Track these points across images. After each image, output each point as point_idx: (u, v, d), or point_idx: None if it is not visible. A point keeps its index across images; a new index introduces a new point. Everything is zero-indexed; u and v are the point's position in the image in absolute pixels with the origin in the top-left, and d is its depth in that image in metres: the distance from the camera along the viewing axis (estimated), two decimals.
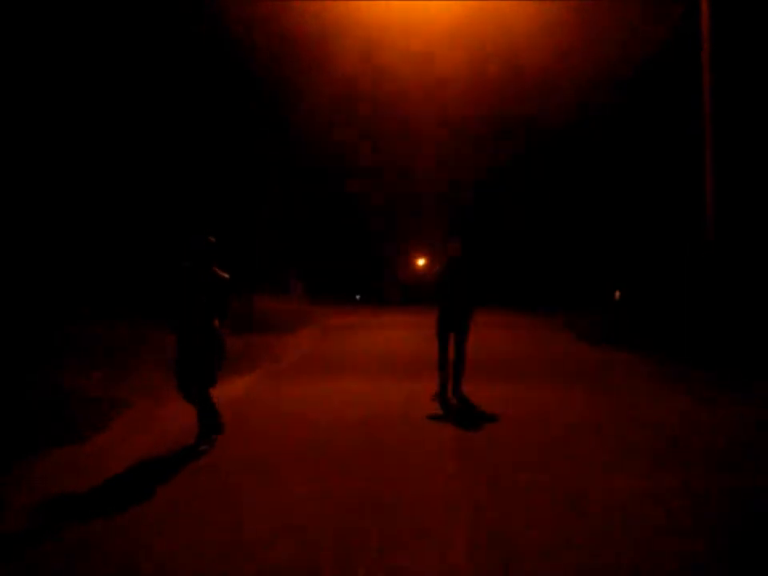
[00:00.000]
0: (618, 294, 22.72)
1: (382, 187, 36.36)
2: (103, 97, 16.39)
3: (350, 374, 9.70)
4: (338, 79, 22.87)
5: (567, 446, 5.78)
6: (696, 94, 11.86)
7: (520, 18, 19.77)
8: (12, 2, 14.05)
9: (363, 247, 42.36)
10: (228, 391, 8.37)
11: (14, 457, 5.21)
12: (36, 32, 14.63)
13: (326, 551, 3.61)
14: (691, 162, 14.62)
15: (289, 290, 31.82)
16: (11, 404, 6.54)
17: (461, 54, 22.22)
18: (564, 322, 19.13)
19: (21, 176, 14.27)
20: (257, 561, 3.49)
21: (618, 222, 25.30)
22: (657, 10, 17.31)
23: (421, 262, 44.28)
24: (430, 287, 8.08)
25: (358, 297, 41.99)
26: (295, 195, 30.62)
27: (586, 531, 3.89)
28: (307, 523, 3.99)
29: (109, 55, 16.17)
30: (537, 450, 5.65)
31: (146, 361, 9.73)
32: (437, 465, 5.22)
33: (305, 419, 6.81)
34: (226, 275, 5.82)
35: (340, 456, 5.42)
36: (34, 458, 5.29)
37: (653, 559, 3.54)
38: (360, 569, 3.41)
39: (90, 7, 15.92)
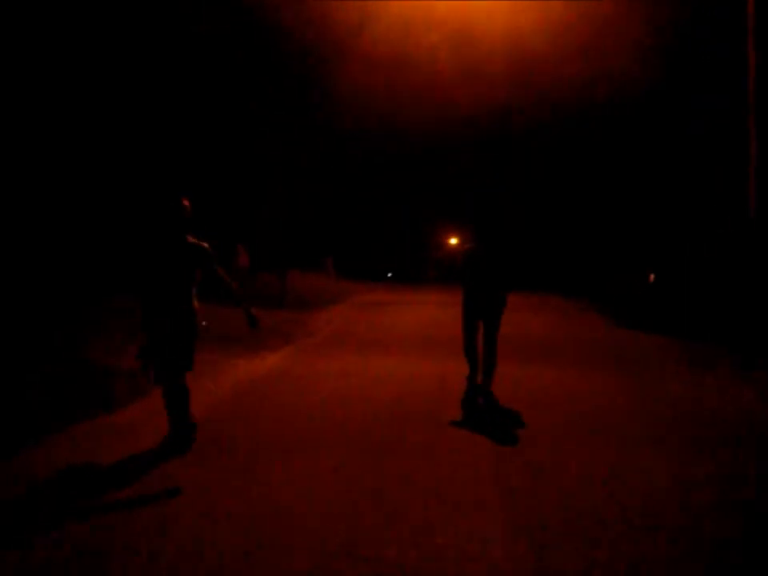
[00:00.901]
0: (652, 276, 22.31)
1: (416, 167, 36.15)
2: (117, 84, 16.40)
3: (382, 351, 9.67)
4: (374, 60, 22.65)
5: (600, 428, 5.67)
6: (739, 71, 11.46)
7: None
8: None
9: (396, 225, 42.23)
10: (260, 366, 8.42)
11: (46, 429, 5.24)
12: (56, 17, 14.66)
13: (360, 531, 3.58)
14: (730, 138, 14.23)
15: (321, 267, 31.94)
16: (44, 379, 6.60)
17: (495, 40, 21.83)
18: (595, 305, 18.85)
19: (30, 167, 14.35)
20: (284, 537, 3.48)
21: (652, 202, 24.79)
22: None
23: (453, 240, 44.03)
24: (459, 267, 6.86)
25: (389, 274, 41.99)
26: (330, 173, 30.57)
27: (619, 516, 3.80)
28: (340, 500, 3.97)
29: (116, 43, 16.14)
30: (569, 432, 5.55)
31: None
32: (469, 445, 5.16)
33: (338, 396, 6.80)
34: (205, 244, 4.88)
35: (373, 434, 5.39)
36: (70, 427, 5.37)
37: (689, 545, 3.44)
38: (393, 548, 3.38)
39: None
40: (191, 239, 4.83)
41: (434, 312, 16.08)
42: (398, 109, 27.62)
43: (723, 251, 16.53)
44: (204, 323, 5.14)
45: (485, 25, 20.02)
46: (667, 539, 3.52)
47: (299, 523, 3.63)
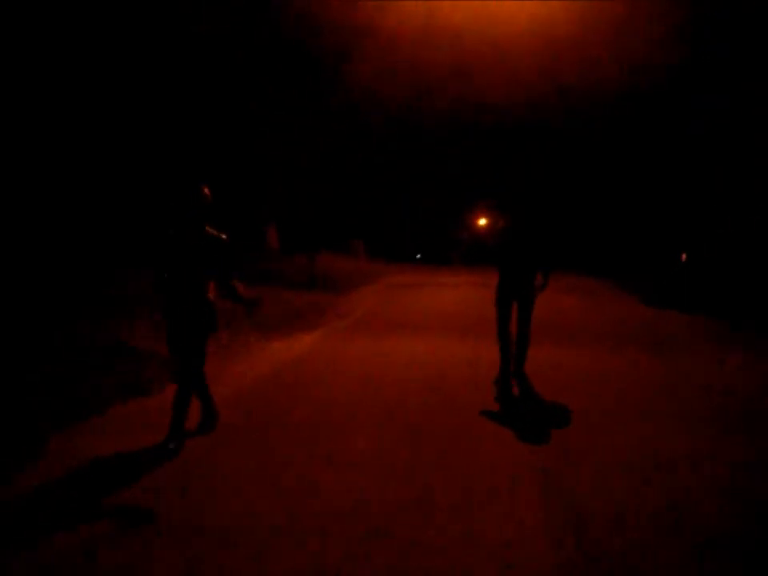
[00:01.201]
0: (684, 256, 21.91)
1: (447, 151, 35.85)
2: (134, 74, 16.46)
3: (414, 333, 9.66)
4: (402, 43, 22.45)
5: (637, 408, 5.60)
6: None
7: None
8: None
9: (425, 207, 42.00)
10: (295, 348, 8.48)
11: (77, 415, 5.27)
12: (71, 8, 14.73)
13: (396, 514, 3.60)
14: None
15: (351, 250, 32.02)
16: (75, 358, 6.70)
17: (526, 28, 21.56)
18: (627, 286, 18.58)
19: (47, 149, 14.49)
20: (320, 520, 3.51)
21: (684, 183, 24.32)
22: None
23: (482, 221, 43.59)
24: (492, 248, 6.84)
25: (418, 256, 41.90)
26: (360, 155, 30.45)
27: (655, 497, 3.75)
28: (375, 483, 3.99)
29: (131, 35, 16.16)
30: (607, 413, 5.49)
31: None
32: (504, 428, 5.13)
33: (372, 378, 6.80)
34: (224, 236, 4.64)
35: (408, 417, 5.39)
36: (106, 409, 5.47)
37: (727, 523, 3.38)
38: (430, 530, 3.38)
39: None
40: (210, 230, 4.60)
41: (465, 293, 16.01)
42: (429, 90, 27.34)
43: (755, 233, 16.22)
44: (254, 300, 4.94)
45: (509, 11, 19.92)
46: (711, 524, 3.47)
47: (336, 505, 3.66)
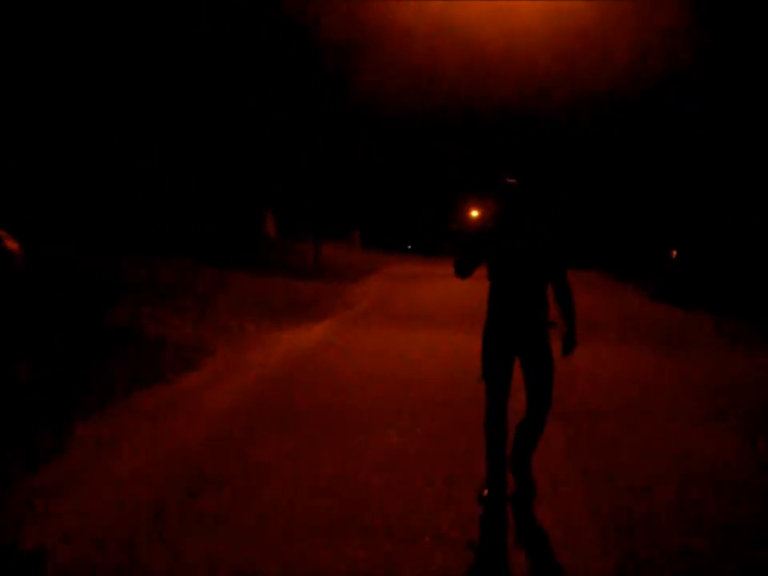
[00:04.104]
0: (674, 252, 22.06)
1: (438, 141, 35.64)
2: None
3: (424, 324, 9.59)
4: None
5: (648, 402, 5.58)
6: None
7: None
8: None
9: (418, 196, 41.78)
10: (306, 338, 8.39)
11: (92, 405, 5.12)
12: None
13: (441, 513, 3.53)
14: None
15: (347, 238, 31.86)
16: (99, 347, 6.59)
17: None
18: (628, 280, 18.68)
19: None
20: (362, 519, 3.43)
21: (673, 180, 24.46)
22: None
23: (474, 213, 43.30)
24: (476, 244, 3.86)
25: (409, 246, 41.81)
26: (354, 146, 30.21)
27: (698, 495, 3.71)
28: (408, 478, 3.92)
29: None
30: (633, 411, 5.45)
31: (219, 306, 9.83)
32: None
33: (388, 371, 6.67)
34: (15, 246, 2.78)
35: (428, 412, 5.30)
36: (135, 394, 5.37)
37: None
38: (474, 529, 3.32)
39: None
40: None
41: (467, 285, 15.91)
42: (427, 82, 27.18)
43: (746, 230, 16.37)
44: None
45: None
46: (749, 523, 3.44)
47: (377, 504, 3.58)
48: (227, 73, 18.71)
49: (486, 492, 3.62)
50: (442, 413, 5.23)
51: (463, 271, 3.78)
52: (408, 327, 9.35)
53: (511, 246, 3.64)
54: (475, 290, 3.41)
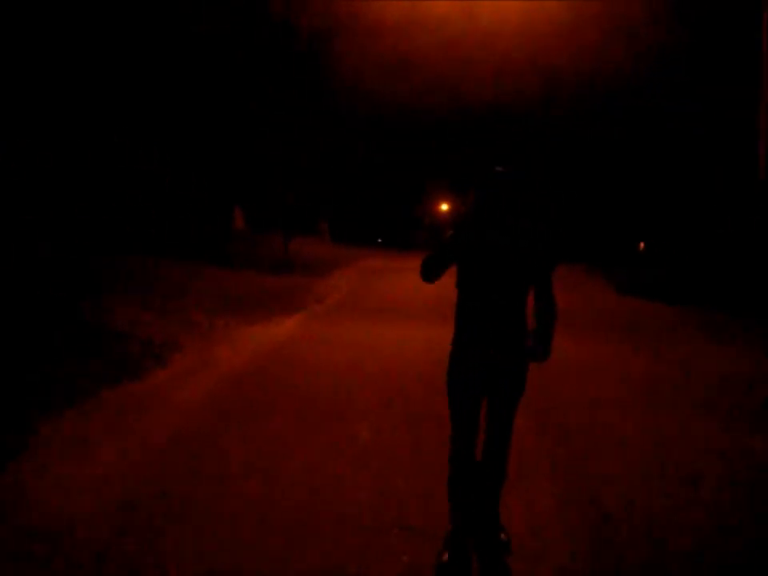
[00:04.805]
0: (642, 245, 22.40)
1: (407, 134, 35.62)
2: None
3: (395, 317, 9.62)
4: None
5: (637, 396, 5.68)
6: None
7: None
8: None
9: (386, 191, 41.69)
10: (277, 332, 8.35)
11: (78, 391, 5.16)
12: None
13: (408, 504, 3.54)
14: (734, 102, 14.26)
15: (317, 232, 31.76)
16: (69, 342, 6.48)
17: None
18: (598, 272, 18.91)
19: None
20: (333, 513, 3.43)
21: (641, 176, 24.84)
22: None
23: (444, 207, 43.20)
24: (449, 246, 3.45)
25: (379, 240, 41.80)
26: (324, 140, 30.06)
27: (673, 486, 3.80)
28: (383, 478, 3.93)
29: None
30: (609, 401, 5.54)
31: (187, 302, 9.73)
32: None
33: (360, 363, 6.69)
34: None
35: (402, 404, 5.33)
36: (103, 392, 5.28)
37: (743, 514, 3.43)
38: (443, 519, 3.34)
39: None
40: None
41: (442, 279, 16.00)
42: (402, 77, 27.10)
43: (719, 216, 16.68)
44: None
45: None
46: (727, 511, 3.52)
47: (351, 497, 3.59)
48: (197, 65, 18.49)
49: (446, 556, 2.92)
50: (414, 404, 5.26)
51: (431, 274, 3.22)
52: (379, 320, 9.36)
53: (487, 242, 3.00)
54: (447, 282, 3.37)
